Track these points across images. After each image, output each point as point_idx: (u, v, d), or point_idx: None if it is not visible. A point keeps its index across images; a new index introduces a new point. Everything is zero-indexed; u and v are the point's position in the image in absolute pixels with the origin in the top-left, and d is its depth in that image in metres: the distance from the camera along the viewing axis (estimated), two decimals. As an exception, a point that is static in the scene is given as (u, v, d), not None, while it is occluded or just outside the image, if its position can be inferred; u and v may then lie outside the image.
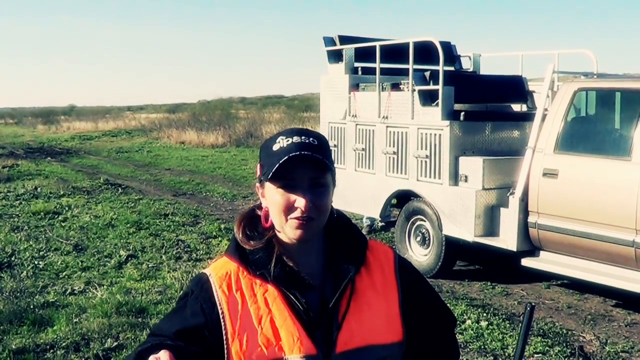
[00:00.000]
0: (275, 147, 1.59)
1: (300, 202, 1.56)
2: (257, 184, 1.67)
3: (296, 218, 1.57)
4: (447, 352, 1.83)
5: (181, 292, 1.63)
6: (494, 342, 5.57)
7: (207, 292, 1.62)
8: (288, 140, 1.59)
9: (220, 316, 1.58)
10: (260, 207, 1.70)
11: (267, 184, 1.61)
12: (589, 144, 6.56)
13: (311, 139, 1.60)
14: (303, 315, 1.58)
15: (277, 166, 1.55)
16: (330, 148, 1.72)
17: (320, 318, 1.59)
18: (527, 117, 7.70)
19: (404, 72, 7.95)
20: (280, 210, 1.58)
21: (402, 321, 1.67)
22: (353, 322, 1.61)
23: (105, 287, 7.07)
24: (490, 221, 7.05)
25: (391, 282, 1.70)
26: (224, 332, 1.57)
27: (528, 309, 1.76)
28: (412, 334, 1.69)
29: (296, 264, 1.62)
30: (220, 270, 1.65)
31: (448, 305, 1.91)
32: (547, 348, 5.44)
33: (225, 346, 1.57)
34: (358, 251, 1.69)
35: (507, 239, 6.83)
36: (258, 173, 1.66)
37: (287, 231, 1.60)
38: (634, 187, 5.90)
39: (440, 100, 7.27)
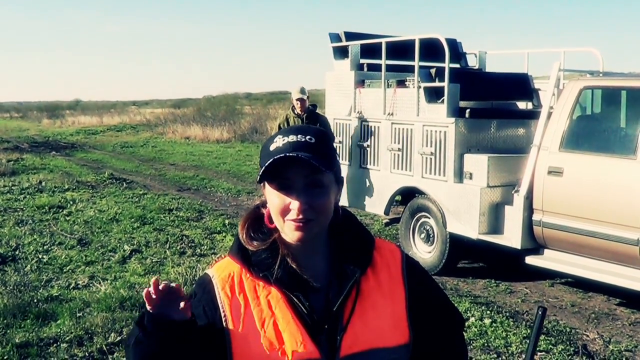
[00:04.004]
0: (272, 147, 1.55)
1: (294, 204, 1.51)
2: (261, 184, 1.64)
3: (292, 220, 1.52)
4: (455, 353, 1.78)
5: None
6: (497, 340, 5.56)
7: (209, 294, 1.60)
8: (284, 140, 1.54)
9: (223, 319, 1.56)
10: (264, 205, 1.65)
11: (266, 185, 1.57)
12: (594, 143, 6.54)
13: (308, 137, 1.54)
14: (307, 319, 1.54)
15: (263, 169, 1.51)
16: (334, 145, 1.67)
17: (325, 321, 1.55)
18: (532, 115, 7.68)
19: (410, 69, 7.93)
20: (277, 212, 1.54)
21: (408, 323, 1.62)
22: (358, 325, 1.56)
23: (109, 281, 7.07)
24: (495, 219, 7.04)
25: (398, 282, 1.65)
26: (226, 335, 1.55)
27: (540, 312, 1.73)
28: (419, 336, 1.65)
29: (300, 266, 1.58)
30: (223, 271, 1.63)
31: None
32: (550, 346, 5.43)
33: (227, 349, 1.55)
34: (364, 252, 1.64)
35: (512, 237, 6.83)
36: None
37: (287, 233, 1.56)
38: (639, 186, 5.88)
39: (445, 98, 7.26)
